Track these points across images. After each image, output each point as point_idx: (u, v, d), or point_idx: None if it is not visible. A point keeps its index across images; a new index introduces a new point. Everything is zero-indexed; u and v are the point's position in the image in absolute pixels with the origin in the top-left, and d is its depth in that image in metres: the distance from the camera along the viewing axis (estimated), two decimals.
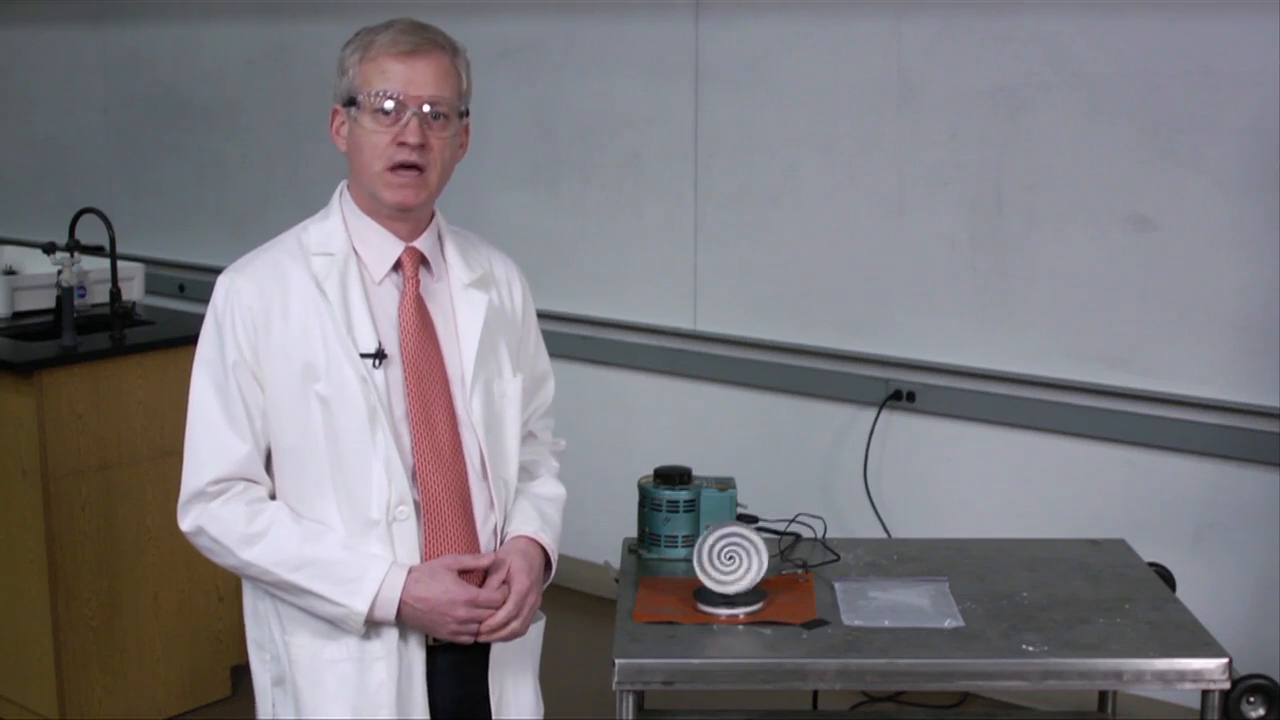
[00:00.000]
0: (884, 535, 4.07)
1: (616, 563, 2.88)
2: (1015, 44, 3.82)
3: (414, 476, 2.10)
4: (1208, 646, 2.43)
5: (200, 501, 2.09)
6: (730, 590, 2.51)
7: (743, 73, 4.31)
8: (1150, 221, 3.69)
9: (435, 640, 2.14)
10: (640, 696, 2.59)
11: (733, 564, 2.51)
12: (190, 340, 3.83)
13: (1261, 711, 2.38)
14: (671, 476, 2.83)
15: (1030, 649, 2.41)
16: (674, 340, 4.56)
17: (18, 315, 4.18)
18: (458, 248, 2.22)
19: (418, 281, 2.15)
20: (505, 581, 2.13)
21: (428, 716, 2.14)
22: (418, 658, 2.13)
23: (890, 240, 4.09)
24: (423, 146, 2.06)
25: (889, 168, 4.07)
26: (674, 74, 4.45)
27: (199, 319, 2.18)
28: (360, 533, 2.08)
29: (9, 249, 4.70)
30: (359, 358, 2.07)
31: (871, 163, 4.10)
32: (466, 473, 2.15)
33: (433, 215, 2.20)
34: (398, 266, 2.14)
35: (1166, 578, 2.83)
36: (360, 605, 2.05)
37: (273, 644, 2.18)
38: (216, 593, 3.96)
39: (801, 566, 2.76)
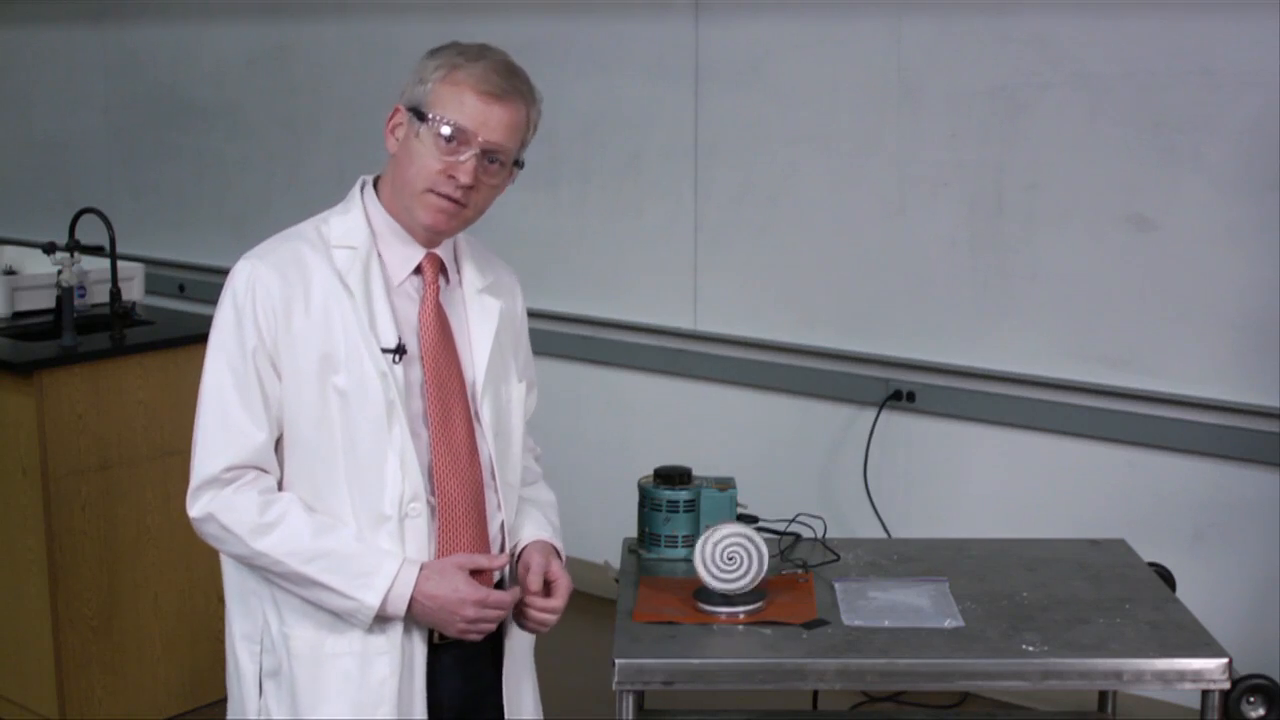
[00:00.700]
0: (884, 535, 4.07)
1: (616, 563, 2.88)
2: (1015, 44, 3.82)
3: (430, 475, 2.11)
4: (1208, 646, 2.42)
5: (213, 488, 2.07)
6: (730, 590, 2.52)
7: (743, 73, 4.31)
8: (1150, 221, 3.69)
9: (441, 637, 2.14)
10: (640, 696, 2.58)
11: (733, 564, 2.51)
12: (191, 340, 3.87)
13: (1261, 711, 2.38)
14: (671, 476, 2.83)
15: (1030, 649, 2.41)
16: (674, 340, 4.56)
17: (18, 315, 4.18)
18: (471, 254, 2.23)
19: (438, 287, 2.15)
20: (548, 580, 2.17)
21: (425, 714, 2.14)
22: (420, 654, 2.13)
23: (890, 240, 4.09)
24: (471, 188, 2.06)
25: (889, 168, 4.07)
26: (674, 74, 4.45)
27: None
28: (371, 527, 2.08)
29: (9, 249, 4.69)
30: (380, 352, 2.08)
31: (871, 163, 4.10)
32: (481, 476, 2.16)
33: None
34: (417, 270, 2.15)
35: (1166, 578, 2.83)
36: (372, 600, 2.05)
37: (267, 636, 2.18)
38: (216, 593, 3.93)
39: (801, 566, 2.76)
